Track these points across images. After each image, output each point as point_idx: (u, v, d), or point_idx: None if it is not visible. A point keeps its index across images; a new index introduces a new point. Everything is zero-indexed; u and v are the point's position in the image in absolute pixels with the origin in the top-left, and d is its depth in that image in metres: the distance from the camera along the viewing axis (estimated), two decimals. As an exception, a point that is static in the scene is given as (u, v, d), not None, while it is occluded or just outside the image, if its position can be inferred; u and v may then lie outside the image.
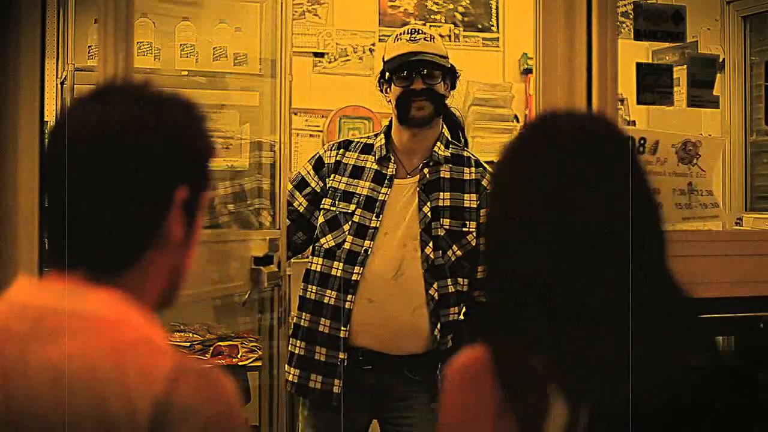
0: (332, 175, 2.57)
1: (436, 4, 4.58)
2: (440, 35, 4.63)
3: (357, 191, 2.53)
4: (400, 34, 2.59)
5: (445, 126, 2.63)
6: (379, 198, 2.50)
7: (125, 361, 0.92)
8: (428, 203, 2.49)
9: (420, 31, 2.57)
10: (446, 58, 2.57)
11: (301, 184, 2.62)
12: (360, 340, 2.45)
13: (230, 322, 3.80)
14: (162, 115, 1.02)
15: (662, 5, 2.09)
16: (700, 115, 3.96)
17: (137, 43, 2.98)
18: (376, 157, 2.56)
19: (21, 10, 2.19)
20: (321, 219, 2.55)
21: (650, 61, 4.09)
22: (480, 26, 4.65)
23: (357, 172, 2.56)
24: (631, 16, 2.08)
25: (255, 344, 3.73)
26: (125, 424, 0.89)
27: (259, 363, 3.65)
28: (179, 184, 1.02)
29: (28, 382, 0.92)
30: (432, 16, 4.58)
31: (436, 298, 2.45)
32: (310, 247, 2.61)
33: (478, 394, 1.04)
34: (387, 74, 2.56)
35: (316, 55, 4.38)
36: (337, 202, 2.53)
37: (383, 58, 2.61)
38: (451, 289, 2.48)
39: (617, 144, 1.14)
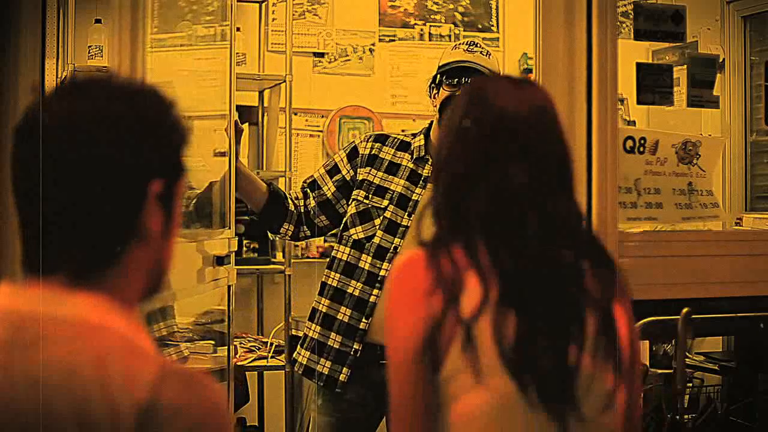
0: (366, 167, 2.61)
1: (436, 4, 4.58)
2: (440, 35, 4.65)
3: (391, 187, 2.57)
4: (460, 43, 2.71)
5: None
6: (413, 198, 2.55)
7: (107, 367, 0.90)
8: None
9: (479, 45, 2.71)
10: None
11: (333, 169, 2.66)
12: (379, 336, 2.47)
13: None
14: (131, 106, 0.99)
15: (662, 5, 2.09)
16: (700, 115, 3.96)
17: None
18: (413, 157, 2.61)
19: (21, 10, 2.19)
20: (352, 209, 2.58)
21: (650, 61, 4.09)
22: (480, 26, 4.65)
23: (393, 169, 2.60)
24: (631, 16, 2.08)
25: (254, 344, 3.73)
26: (108, 430, 0.88)
27: (258, 363, 3.66)
28: (153, 177, 0.99)
29: (11, 389, 0.90)
30: (432, 16, 4.58)
31: None
32: (337, 236, 2.64)
33: (415, 280, 1.30)
34: (438, 78, 2.64)
35: (316, 55, 4.38)
36: (370, 196, 2.58)
37: (439, 64, 2.69)
38: None
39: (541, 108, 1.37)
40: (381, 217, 2.54)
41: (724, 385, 3.01)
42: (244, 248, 3.95)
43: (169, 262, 1.05)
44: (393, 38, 4.46)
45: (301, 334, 3.44)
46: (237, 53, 3.89)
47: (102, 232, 0.97)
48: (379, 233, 2.53)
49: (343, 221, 2.60)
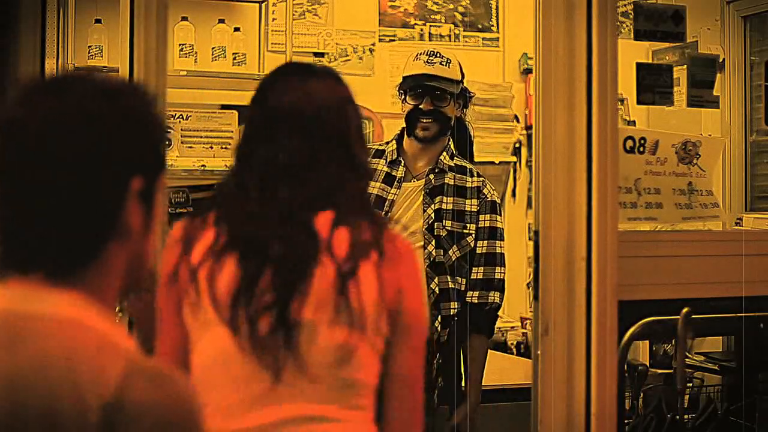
0: None
1: (436, 4, 4.58)
2: (440, 35, 4.65)
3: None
4: (421, 54, 2.76)
5: (451, 139, 2.76)
6: (388, 198, 2.64)
7: (77, 363, 0.90)
8: (432, 206, 2.65)
9: (438, 55, 2.75)
10: (459, 82, 2.74)
11: None
12: None
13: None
14: (112, 102, 0.99)
15: (662, 5, 2.09)
16: (700, 115, 3.96)
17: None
18: (387, 161, 2.70)
19: (21, 10, 2.19)
20: None
21: (650, 61, 4.09)
22: (480, 26, 4.65)
23: None
24: (631, 16, 2.08)
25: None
26: (75, 427, 0.87)
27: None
28: (134, 174, 0.99)
29: None
30: (432, 16, 4.58)
31: (437, 292, 2.59)
32: None
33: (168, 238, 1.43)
34: (401, 90, 2.73)
35: (316, 55, 4.38)
36: None
37: (402, 74, 2.76)
38: (450, 285, 2.62)
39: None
40: None
41: (724, 385, 3.00)
42: (244, 248, 3.94)
43: (149, 258, 1.05)
44: (393, 38, 4.47)
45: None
46: (237, 53, 3.89)
47: (81, 228, 0.96)
48: None
49: None
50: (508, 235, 4.70)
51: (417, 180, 2.69)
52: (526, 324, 4.32)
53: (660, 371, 3.24)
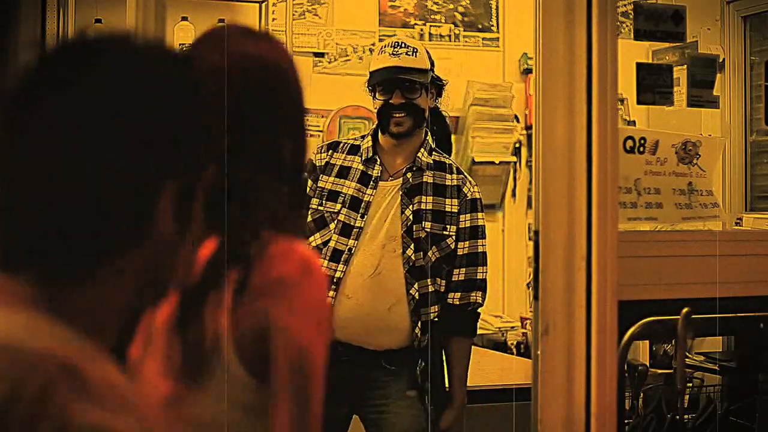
0: (321, 176, 2.62)
1: (436, 4, 4.58)
2: (440, 35, 4.65)
3: (343, 191, 2.59)
4: (385, 46, 2.65)
5: (429, 133, 2.69)
6: (365, 198, 2.57)
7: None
8: (410, 206, 2.57)
9: (403, 45, 2.62)
10: (428, 71, 2.62)
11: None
12: (338, 334, 2.49)
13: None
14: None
15: (662, 5, 2.09)
16: (700, 115, 3.96)
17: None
18: (363, 158, 2.62)
19: (21, 10, 2.19)
20: (309, 219, 2.58)
21: (650, 61, 4.09)
22: (480, 26, 4.65)
23: (343, 172, 2.61)
24: (631, 16, 2.08)
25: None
26: None
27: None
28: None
29: None
30: (432, 16, 4.58)
31: (417, 297, 2.53)
32: None
33: None
34: (369, 85, 2.65)
35: (316, 55, 4.38)
36: (324, 202, 2.59)
37: (369, 69, 2.67)
38: (430, 288, 2.56)
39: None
40: (335, 221, 2.55)
41: (724, 385, 3.01)
42: (244, 248, 3.94)
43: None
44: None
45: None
46: (237, 53, 3.89)
47: (99, 231, 0.81)
48: (335, 237, 2.54)
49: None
50: (508, 235, 4.72)
51: (393, 179, 2.60)
52: (526, 324, 4.32)
53: (660, 371, 3.24)
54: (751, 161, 4.38)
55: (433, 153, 2.66)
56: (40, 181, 0.80)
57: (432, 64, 2.66)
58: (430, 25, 4.57)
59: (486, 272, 2.67)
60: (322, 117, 4.36)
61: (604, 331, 1.76)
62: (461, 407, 2.60)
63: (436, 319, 2.58)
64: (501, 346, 4.28)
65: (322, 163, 2.63)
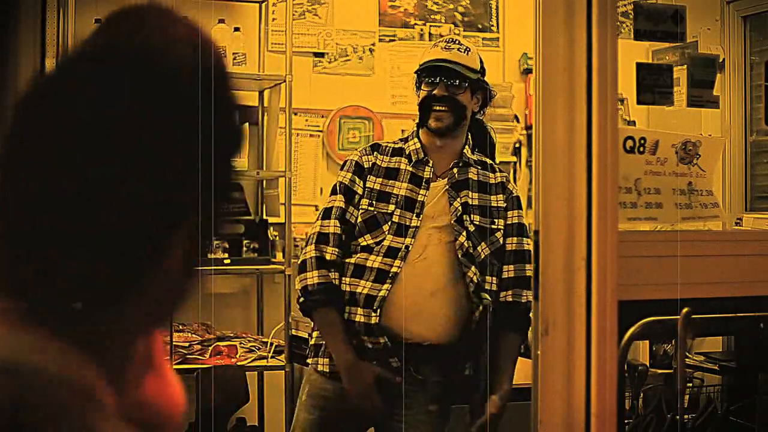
0: (369, 177, 2.61)
1: (436, 4, 4.58)
2: (440, 35, 4.65)
3: (394, 192, 2.59)
4: (440, 41, 2.70)
5: (470, 136, 2.71)
6: (418, 198, 2.57)
7: None
8: (458, 199, 2.58)
9: (457, 42, 2.67)
10: (477, 72, 2.65)
11: (348, 193, 2.62)
12: (384, 322, 2.50)
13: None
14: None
15: (662, 5, 2.08)
16: (700, 115, 3.96)
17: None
18: (413, 160, 2.62)
19: (21, 10, 2.19)
20: (359, 218, 2.58)
21: (650, 61, 4.09)
22: (480, 26, 4.65)
23: (392, 174, 2.62)
24: (631, 16, 2.08)
25: (254, 344, 3.73)
26: None
27: (258, 363, 3.65)
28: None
29: None
30: (432, 16, 4.58)
31: (476, 281, 2.53)
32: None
33: None
34: (417, 78, 2.66)
35: (316, 55, 4.38)
36: (374, 202, 2.58)
37: (419, 62, 2.69)
38: (487, 279, 2.57)
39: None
40: (389, 223, 2.54)
41: (724, 385, 3.01)
42: (244, 248, 3.95)
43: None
44: (393, 38, 4.47)
45: (301, 334, 3.45)
46: (237, 53, 3.89)
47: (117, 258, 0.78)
48: (389, 237, 2.54)
49: (354, 231, 2.59)
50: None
51: (441, 179, 2.62)
52: (526, 324, 4.32)
53: (660, 371, 3.25)
54: (751, 161, 4.38)
55: (476, 153, 2.69)
56: (55, 205, 0.77)
57: (483, 70, 2.69)
58: (430, 25, 4.57)
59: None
60: (322, 117, 4.36)
61: (604, 331, 1.76)
62: (507, 399, 2.56)
63: (487, 313, 2.57)
64: (501, 346, 4.28)
65: (369, 164, 2.62)
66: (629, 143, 2.01)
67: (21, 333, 0.77)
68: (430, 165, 2.61)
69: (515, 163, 4.65)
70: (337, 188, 2.62)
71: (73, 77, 0.79)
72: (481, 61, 2.69)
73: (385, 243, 2.53)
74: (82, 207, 0.76)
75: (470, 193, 2.60)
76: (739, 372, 2.57)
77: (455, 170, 2.61)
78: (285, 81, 3.87)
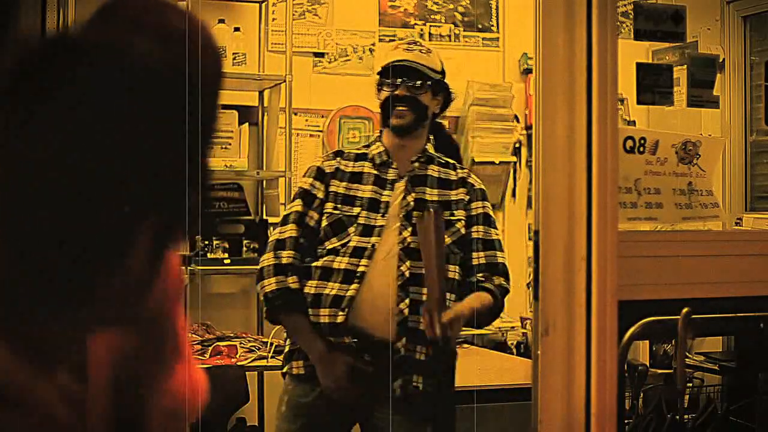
0: (332, 181, 2.63)
1: (436, 4, 4.58)
2: (440, 35, 4.65)
3: (359, 194, 2.61)
4: (400, 43, 2.72)
5: (431, 138, 2.71)
6: (383, 199, 2.59)
7: None
8: (412, 194, 2.60)
9: (418, 44, 2.70)
10: (439, 73, 2.67)
11: (307, 197, 2.63)
12: (353, 319, 2.50)
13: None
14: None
15: (662, 5, 2.08)
16: (700, 115, 3.97)
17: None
18: (377, 162, 2.64)
19: (21, 10, 2.18)
20: (324, 222, 2.58)
21: (650, 61, 4.09)
22: (480, 26, 4.65)
23: (356, 178, 2.63)
24: (631, 16, 2.08)
25: (254, 344, 3.73)
26: None
27: (258, 363, 3.65)
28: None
29: None
30: (432, 16, 4.58)
31: (407, 275, 2.51)
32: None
33: None
34: (379, 79, 2.67)
35: (316, 55, 4.38)
36: (339, 206, 2.59)
37: (383, 62, 2.71)
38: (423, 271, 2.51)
39: None
40: (355, 224, 2.56)
41: (724, 385, 3.01)
42: (244, 248, 3.95)
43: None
44: (393, 38, 4.47)
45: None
46: (237, 53, 3.89)
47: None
48: (355, 238, 2.55)
49: (318, 236, 2.59)
50: (508, 235, 4.72)
51: (403, 179, 2.63)
52: (526, 324, 4.32)
53: (660, 371, 3.25)
54: (751, 161, 4.39)
55: (439, 152, 2.71)
56: (16, 200, 0.75)
57: (444, 72, 2.70)
58: (430, 25, 4.57)
59: (505, 258, 2.66)
60: (322, 117, 4.35)
61: (604, 331, 1.76)
62: (457, 321, 2.43)
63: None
64: (501, 346, 4.29)
65: (332, 169, 2.64)
66: (629, 143, 2.01)
67: None
68: (394, 166, 2.63)
69: (515, 163, 4.65)
70: (297, 194, 2.65)
71: (39, 69, 0.77)
72: (442, 63, 2.71)
73: (351, 243, 2.54)
74: (44, 203, 0.74)
75: (428, 189, 2.61)
76: (739, 372, 2.57)
77: (416, 164, 2.63)
78: (285, 81, 3.87)
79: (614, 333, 1.77)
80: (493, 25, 4.66)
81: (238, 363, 3.59)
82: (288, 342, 2.67)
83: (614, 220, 1.80)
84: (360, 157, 2.67)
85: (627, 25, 3.89)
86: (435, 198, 2.61)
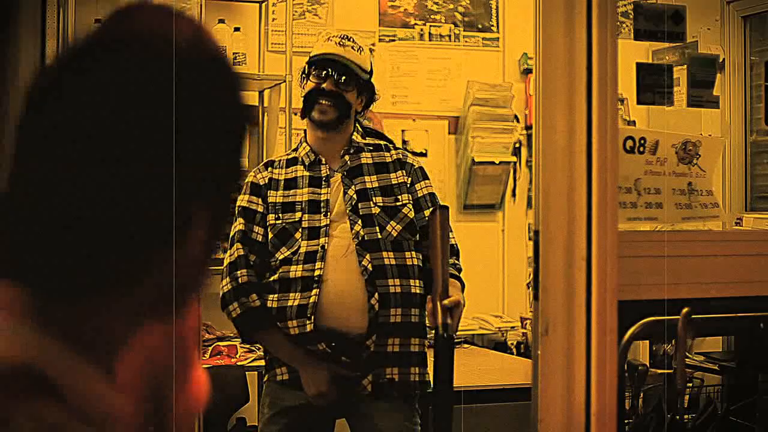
0: (268, 192, 2.62)
1: (436, 4, 4.58)
2: (440, 35, 4.65)
3: (297, 199, 2.60)
4: (333, 36, 2.67)
5: (359, 124, 2.70)
6: (322, 198, 2.58)
7: None
8: (353, 187, 2.59)
9: (351, 39, 2.65)
10: (367, 73, 2.65)
11: (246, 213, 2.62)
12: (321, 322, 2.50)
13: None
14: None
15: (662, 5, 2.09)
16: (700, 115, 3.97)
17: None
18: (307, 164, 2.63)
19: (21, 10, 2.19)
20: (270, 234, 2.58)
21: (650, 61, 4.09)
22: (480, 26, 4.65)
23: (291, 184, 2.63)
24: (631, 16, 2.08)
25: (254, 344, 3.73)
26: None
27: (258, 363, 3.65)
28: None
29: None
30: (432, 16, 4.58)
31: (370, 269, 2.50)
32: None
33: None
34: (306, 69, 2.64)
35: (316, 55, 4.38)
36: (281, 215, 2.58)
37: (310, 54, 2.67)
38: (388, 261, 2.53)
39: None
40: (300, 229, 2.55)
41: (724, 385, 3.01)
42: (244, 248, 3.94)
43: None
44: (393, 38, 4.47)
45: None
46: (237, 53, 3.89)
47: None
48: (303, 243, 2.53)
49: (268, 249, 2.58)
50: (508, 235, 4.72)
51: (338, 173, 2.62)
52: (526, 324, 4.32)
53: (660, 371, 3.24)
54: (751, 161, 4.39)
55: (367, 137, 2.69)
56: (59, 193, 0.77)
57: (372, 72, 2.68)
58: (430, 25, 4.57)
59: (455, 238, 2.64)
60: (322, 117, 4.36)
61: (604, 331, 1.76)
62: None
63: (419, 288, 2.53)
64: (501, 346, 4.29)
65: (266, 180, 2.63)
66: (629, 143, 2.01)
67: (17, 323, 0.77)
68: (324, 163, 2.63)
69: (515, 163, 4.65)
70: (235, 212, 2.62)
71: (85, 69, 0.79)
72: (372, 63, 2.69)
73: (302, 250, 2.53)
74: (96, 192, 0.76)
75: (367, 177, 2.60)
76: (739, 372, 2.57)
77: (347, 158, 2.62)
78: (285, 81, 3.87)
79: (614, 333, 1.77)
80: (493, 25, 4.66)
81: (238, 363, 3.59)
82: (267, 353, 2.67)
83: (614, 220, 1.80)
84: (290, 162, 2.66)
85: (627, 25, 3.89)
86: (375, 185, 2.59)
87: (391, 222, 2.56)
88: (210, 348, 3.59)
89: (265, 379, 2.67)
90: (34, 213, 0.77)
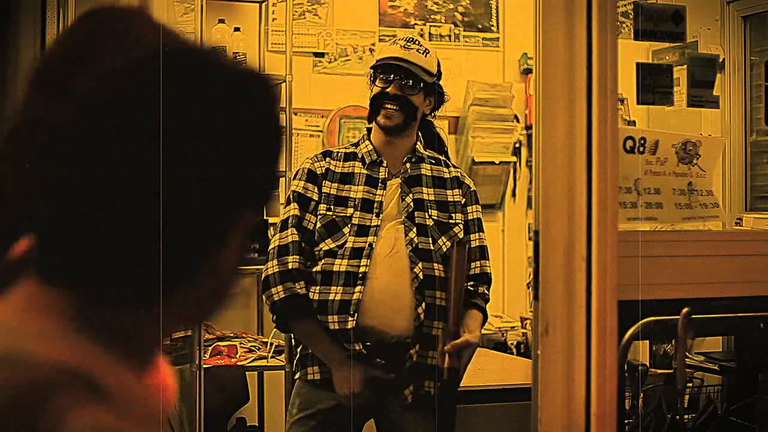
0: (324, 182, 2.60)
1: (436, 4, 4.58)
2: (440, 35, 4.65)
3: (351, 195, 2.58)
4: (399, 39, 2.67)
5: (422, 137, 2.70)
6: (376, 199, 2.56)
7: None
8: (410, 194, 2.58)
9: (417, 42, 2.64)
10: (434, 75, 2.63)
11: (302, 200, 2.60)
12: (363, 321, 2.48)
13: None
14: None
15: (662, 5, 2.09)
16: (700, 115, 3.97)
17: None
18: (367, 162, 2.61)
19: (21, 10, 2.19)
20: (318, 224, 2.56)
21: (650, 61, 4.10)
22: (480, 26, 4.65)
23: (346, 178, 2.61)
24: (631, 16, 2.08)
25: (254, 344, 3.73)
26: None
27: (258, 363, 3.65)
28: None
29: None
30: (432, 16, 4.58)
31: (421, 277, 2.50)
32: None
33: None
34: (372, 74, 2.64)
35: (316, 55, 4.38)
36: (332, 207, 2.57)
37: (375, 57, 2.69)
38: (437, 273, 2.53)
39: None
40: (349, 225, 2.54)
41: (724, 385, 3.01)
42: (244, 248, 3.94)
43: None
44: (393, 38, 4.47)
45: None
46: (237, 53, 3.89)
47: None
48: (351, 239, 2.52)
49: (314, 238, 2.56)
50: (508, 235, 4.72)
51: (396, 177, 2.61)
52: (526, 324, 4.32)
53: (660, 371, 3.24)
54: (751, 161, 4.39)
55: (428, 150, 2.70)
56: (108, 202, 0.77)
57: (440, 74, 2.67)
58: (430, 25, 4.57)
59: (489, 266, 2.70)
60: (322, 117, 4.35)
61: (604, 331, 1.76)
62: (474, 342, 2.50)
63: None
64: (501, 346, 4.28)
65: (323, 170, 2.61)
66: (629, 143, 2.01)
67: (45, 321, 0.78)
68: (384, 165, 2.61)
69: (515, 163, 4.65)
70: (291, 197, 2.61)
71: (151, 71, 0.79)
72: (439, 65, 2.67)
73: (348, 245, 2.51)
74: (145, 200, 0.77)
75: (425, 189, 2.60)
76: (739, 372, 2.57)
77: (408, 165, 2.61)
78: (285, 81, 3.87)
79: (614, 333, 1.77)
80: (493, 25, 4.66)
81: (238, 363, 3.59)
82: (300, 348, 2.64)
83: (614, 220, 1.80)
84: (349, 157, 2.64)
85: (627, 25, 3.89)
86: (432, 198, 2.60)
87: (443, 237, 2.56)
88: (210, 348, 3.59)
89: (297, 377, 2.63)
90: (81, 218, 0.78)
